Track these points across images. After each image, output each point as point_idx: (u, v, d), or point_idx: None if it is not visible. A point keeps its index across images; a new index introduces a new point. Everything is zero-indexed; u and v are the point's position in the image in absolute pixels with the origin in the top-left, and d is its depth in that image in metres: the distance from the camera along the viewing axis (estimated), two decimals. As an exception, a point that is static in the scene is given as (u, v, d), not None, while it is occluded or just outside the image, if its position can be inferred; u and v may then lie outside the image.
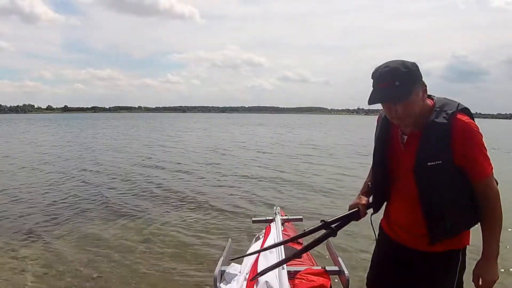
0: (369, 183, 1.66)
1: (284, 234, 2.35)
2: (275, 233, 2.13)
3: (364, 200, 1.59)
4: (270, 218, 2.63)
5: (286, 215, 2.79)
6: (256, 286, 1.63)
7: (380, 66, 1.37)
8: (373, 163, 1.61)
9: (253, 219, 2.88)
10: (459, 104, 1.40)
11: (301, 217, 3.08)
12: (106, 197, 6.76)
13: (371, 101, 1.37)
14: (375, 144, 1.57)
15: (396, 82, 1.30)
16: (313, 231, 1.51)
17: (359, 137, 23.16)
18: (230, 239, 2.39)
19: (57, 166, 10.69)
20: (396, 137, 1.49)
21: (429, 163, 1.35)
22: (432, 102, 1.42)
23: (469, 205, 1.39)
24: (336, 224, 1.51)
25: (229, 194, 7.10)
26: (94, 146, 17.23)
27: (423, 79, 1.37)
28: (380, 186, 1.58)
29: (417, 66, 1.35)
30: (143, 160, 12.03)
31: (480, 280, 1.42)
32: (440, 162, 1.34)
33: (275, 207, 2.72)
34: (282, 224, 2.48)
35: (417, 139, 1.40)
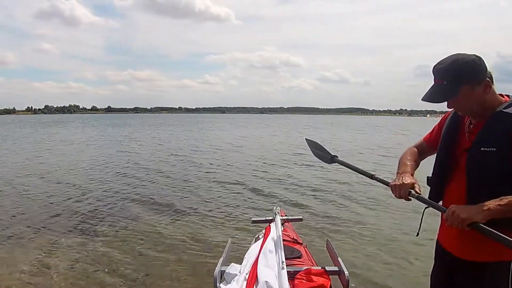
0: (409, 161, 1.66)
1: (284, 234, 2.35)
2: (275, 233, 2.13)
3: (415, 180, 1.56)
4: (270, 218, 2.63)
5: (286, 215, 2.79)
6: (256, 286, 1.63)
7: (439, 61, 1.41)
8: (438, 148, 1.61)
9: (253, 219, 2.88)
10: None
11: (301, 217, 3.09)
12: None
13: (422, 98, 1.43)
14: (443, 131, 1.60)
15: (444, 82, 1.37)
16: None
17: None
18: (230, 239, 2.39)
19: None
20: (463, 126, 1.51)
21: (482, 148, 1.35)
22: (507, 98, 1.43)
23: None
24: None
25: (229, 194, 7.10)
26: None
27: (486, 74, 1.37)
28: (439, 169, 1.58)
29: (475, 63, 1.35)
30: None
31: (451, 211, 1.33)
32: (494, 149, 1.32)
33: (275, 207, 2.71)
34: (282, 224, 2.47)
35: (480, 127, 1.42)
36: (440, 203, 1.55)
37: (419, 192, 1.50)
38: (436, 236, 1.68)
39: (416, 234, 1.65)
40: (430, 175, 1.63)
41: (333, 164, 2.11)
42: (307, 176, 9.09)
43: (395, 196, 1.55)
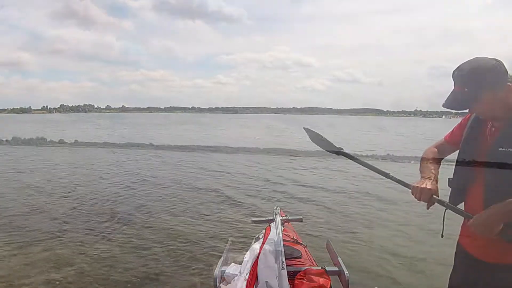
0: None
1: (284, 234, 2.35)
2: (275, 234, 2.13)
3: (437, 187, 1.55)
4: (270, 218, 2.63)
5: (286, 215, 2.79)
6: (256, 286, 1.63)
7: (459, 66, 1.39)
8: (459, 150, 1.60)
9: (253, 219, 2.89)
10: None
11: (301, 217, 3.09)
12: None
13: (444, 104, 1.43)
14: (465, 134, 1.59)
15: (465, 88, 1.36)
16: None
17: None
18: (230, 239, 2.39)
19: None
20: (486, 128, 1.51)
21: (500, 149, 1.36)
22: None
23: None
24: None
25: (229, 195, 7.10)
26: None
27: (507, 78, 1.36)
28: (461, 171, 1.57)
29: (495, 69, 1.34)
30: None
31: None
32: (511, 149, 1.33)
33: (275, 208, 2.72)
34: (282, 224, 2.48)
35: (501, 128, 1.42)
36: (462, 204, 1.55)
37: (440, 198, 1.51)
38: (457, 239, 1.66)
39: (441, 235, 1.63)
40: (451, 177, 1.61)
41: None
42: (307, 177, 9.08)
43: (416, 198, 1.55)
